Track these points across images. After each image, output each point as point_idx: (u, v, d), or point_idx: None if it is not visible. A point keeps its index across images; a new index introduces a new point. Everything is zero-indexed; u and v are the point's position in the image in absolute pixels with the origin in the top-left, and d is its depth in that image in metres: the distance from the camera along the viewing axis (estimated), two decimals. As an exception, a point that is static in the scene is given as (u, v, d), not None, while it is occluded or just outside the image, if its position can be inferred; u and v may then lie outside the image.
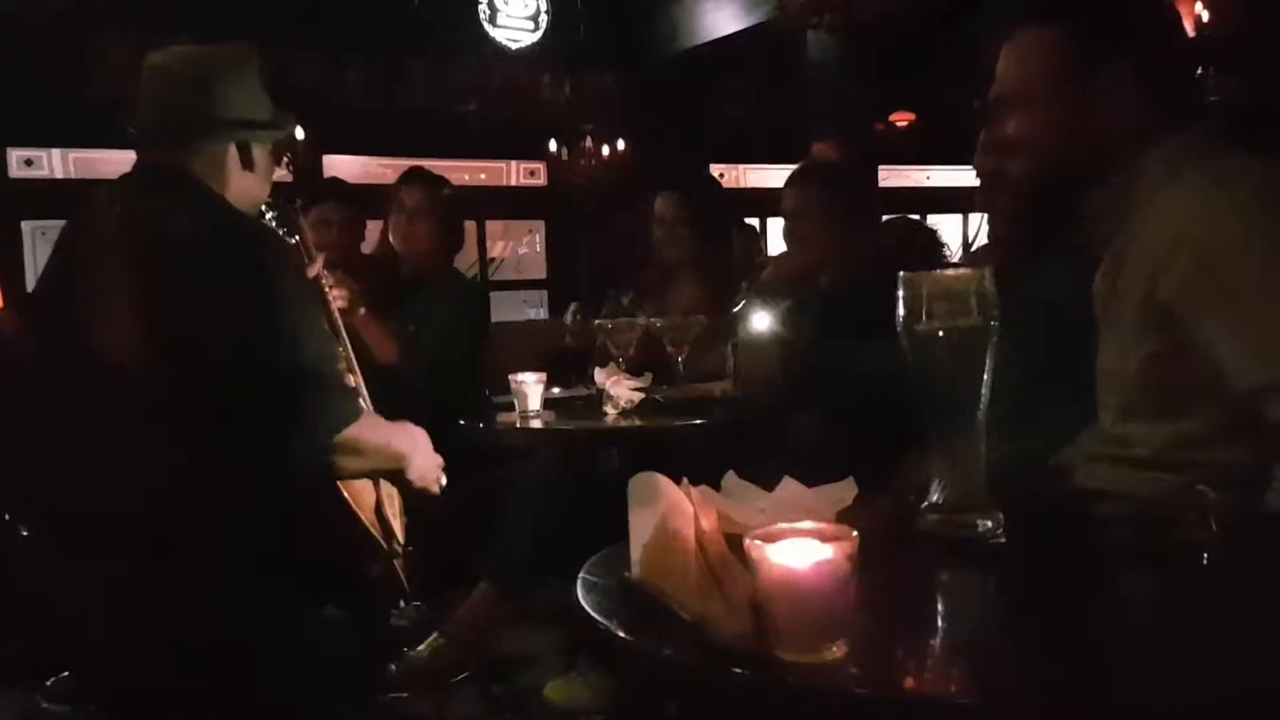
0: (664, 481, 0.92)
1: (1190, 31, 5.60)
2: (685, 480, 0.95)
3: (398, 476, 1.84)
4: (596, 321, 2.73)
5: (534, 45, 7.92)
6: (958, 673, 0.86)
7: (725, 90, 7.91)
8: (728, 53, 7.49)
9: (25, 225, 6.24)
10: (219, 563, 1.58)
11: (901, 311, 1.17)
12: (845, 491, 1.10)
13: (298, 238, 2.31)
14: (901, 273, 1.17)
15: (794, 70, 7.05)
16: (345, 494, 1.71)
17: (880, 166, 8.79)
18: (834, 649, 0.83)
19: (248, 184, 1.80)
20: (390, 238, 3.27)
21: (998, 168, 1.87)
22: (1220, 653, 0.86)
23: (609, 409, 2.45)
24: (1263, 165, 1.45)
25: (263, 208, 2.18)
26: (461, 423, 2.49)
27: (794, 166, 7.16)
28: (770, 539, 0.84)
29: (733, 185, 8.82)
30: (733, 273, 3.10)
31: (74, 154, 6.49)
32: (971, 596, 1.05)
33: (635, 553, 0.95)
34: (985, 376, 1.16)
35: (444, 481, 1.93)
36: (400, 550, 1.86)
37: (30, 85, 5.79)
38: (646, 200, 3.44)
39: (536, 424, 2.46)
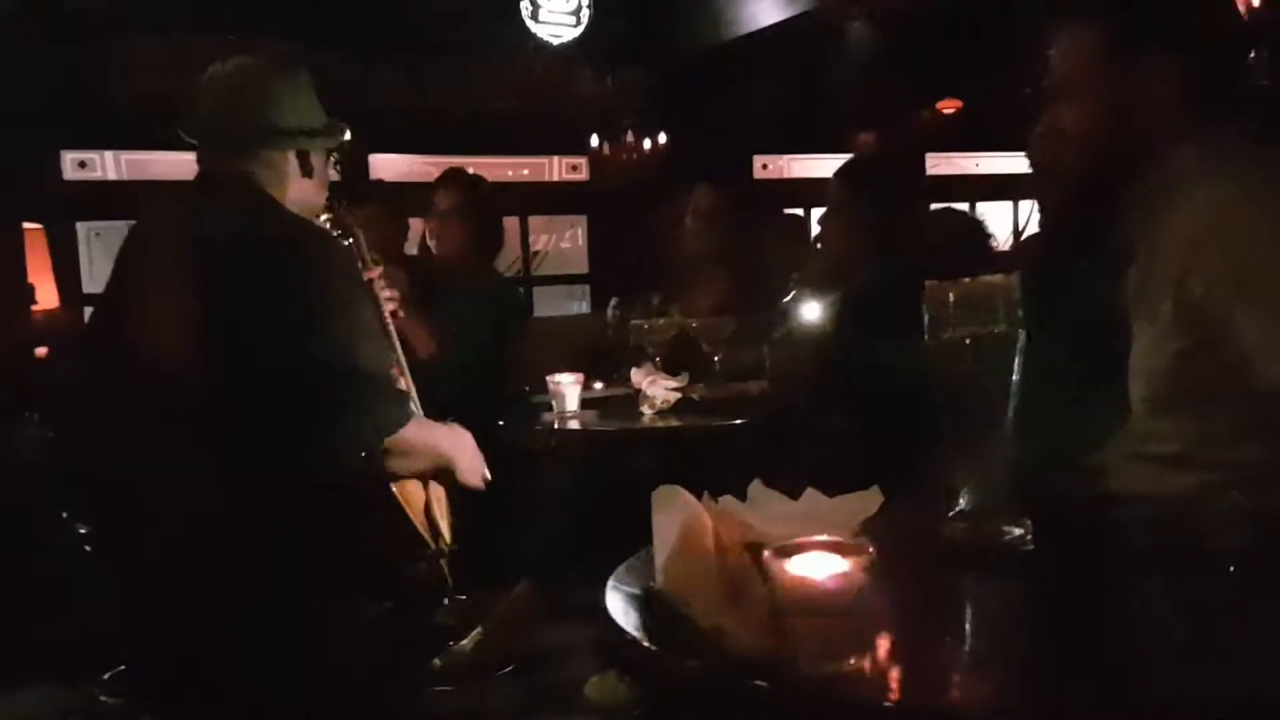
0: (685, 494, 0.94)
1: (1243, 15, 5.50)
2: (706, 493, 0.96)
3: (444, 475, 1.89)
4: (632, 322, 2.75)
5: (575, 40, 7.93)
6: (977, 685, 0.87)
7: (768, 80, 7.88)
8: (770, 43, 7.47)
9: (80, 226, 6.36)
10: (272, 558, 1.62)
11: (928, 319, 1.17)
12: (870, 501, 1.10)
13: (352, 240, 2.36)
14: (928, 281, 1.18)
15: (837, 59, 7.02)
16: (398, 495, 1.75)
17: (928, 154, 8.73)
18: (852, 661, 0.84)
19: (306, 190, 1.86)
20: (427, 239, 3.31)
21: (1050, 158, 1.87)
22: (1242, 661, 0.86)
23: (645, 409, 2.47)
24: None
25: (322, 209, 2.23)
26: (501, 423, 2.52)
27: (839, 156, 7.13)
28: (787, 552, 0.86)
29: (777, 176, 8.80)
30: (765, 268, 3.09)
31: (126, 155, 6.61)
32: (995, 606, 1.05)
33: (659, 562, 0.96)
34: (1013, 383, 1.16)
35: (488, 478, 1.98)
36: (446, 550, 1.90)
37: (81, 88, 5.90)
38: (688, 193, 3.46)
39: (574, 425, 2.49)
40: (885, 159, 2.93)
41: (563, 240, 8.50)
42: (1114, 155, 1.53)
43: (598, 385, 2.75)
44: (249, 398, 1.58)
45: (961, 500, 1.17)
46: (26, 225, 5.34)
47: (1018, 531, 1.15)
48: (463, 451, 1.88)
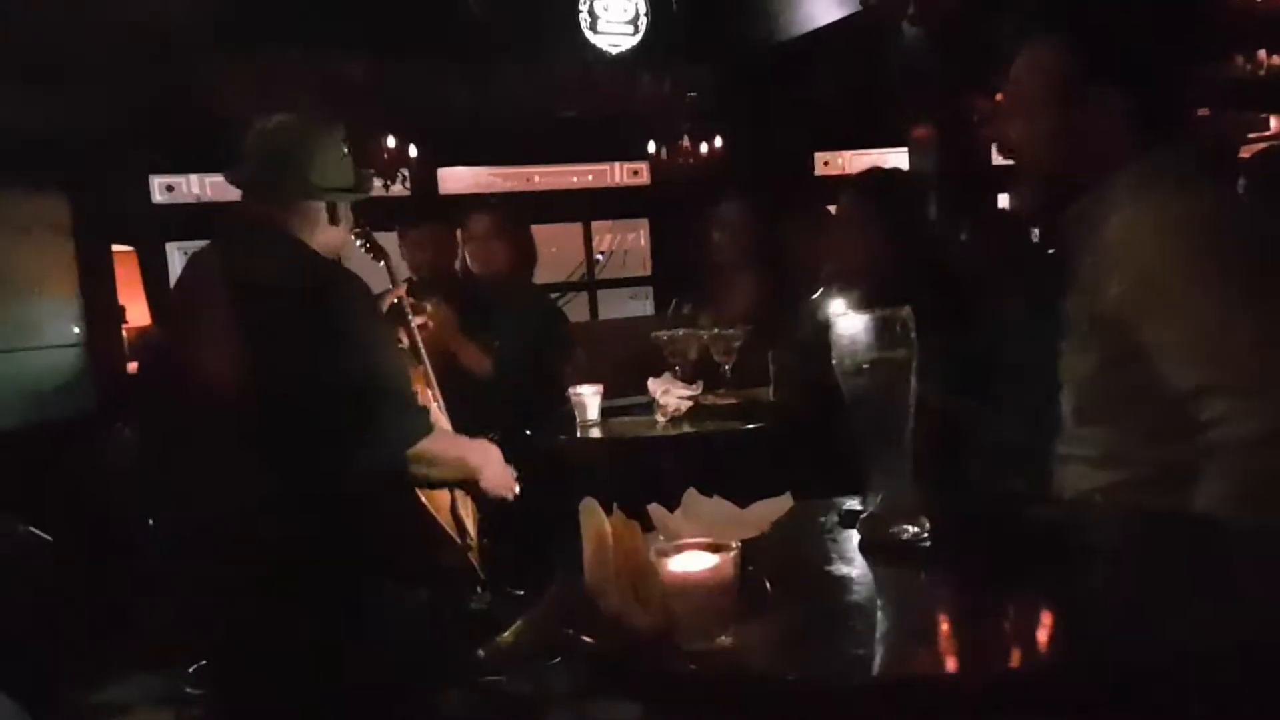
0: (597, 508, 1.14)
1: (1247, 11, 5.48)
2: (615, 505, 1.16)
3: (472, 486, 2.13)
4: (652, 334, 2.93)
5: (634, 48, 8.11)
6: (818, 654, 1.06)
7: (826, 77, 7.96)
8: (826, 42, 7.55)
9: (170, 247, 6.75)
10: (311, 558, 1.87)
11: (833, 347, 1.35)
12: (780, 505, 1.30)
13: (384, 262, 2.60)
14: (831, 312, 1.36)
15: (893, 55, 7.08)
16: (422, 497, 1.99)
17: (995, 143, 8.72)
18: (724, 638, 1.04)
19: (331, 235, 2.11)
20: (468, 260, 3.54)
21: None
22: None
23: (659, 417, 2.65)
24: (1212, 192, 1.58)
25: (353, 237, 2.48)
26: (529, 433, 2.73)
27: (898, 150, 7.13)
28: (669, 552, 1.05)
29: (838, 172, 8.88)
30: (788, 279, 3.23)
31: (210, 178, 6.99)
32: (865, 589, 1.23)
33: (585, 563, 1.17)
34: (910, 400, 1.33)
35: (517, 491, 2.21)
36: (472, 544, 2.13)
37: (167, 115, 6.26)
38: (747, 194, 3.59)
39: (595, 433, 2.68)
40: (896, 174, 3.02)
41: (625, 244, 8.70)
42: (1051, 173, 1.67)
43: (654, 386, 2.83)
44: (281, 418, 1.83)
45: (868, 503, 1.35)
46: (117, 248, 5.71)
47: (916, 529, 1.32)
48: (490, 465, 2.13)
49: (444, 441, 2.06)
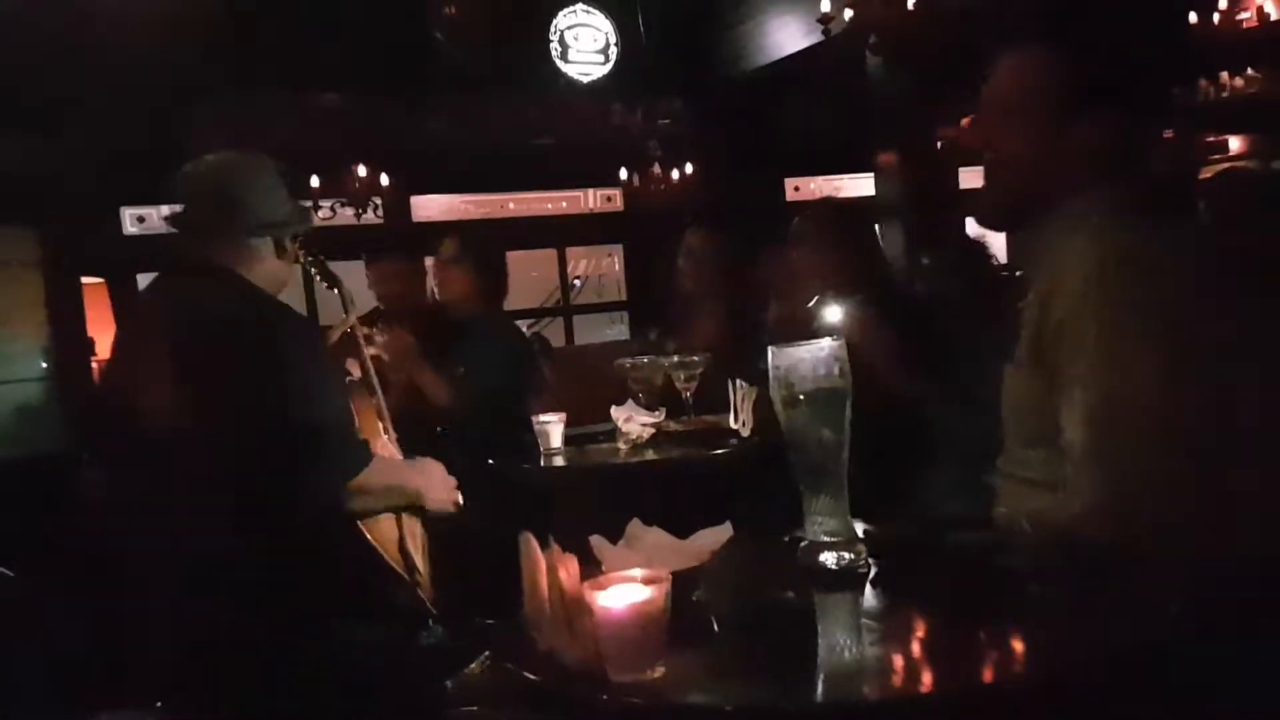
0: (533, 542, 1.16)
1: (1254, 21, 5.58)
2: (551, 539, 1.18)
3: (418, 509, 2.13)
4: (615, 362, 2.95)
5: (605, 76, 8.18)
6: (753, 683, 1.08)
7: (795, 105, 8.05)
8: (795, 69, 7.64)
9: (141, 279, 6.75)
10: (255, 592, 1.86)
11: (770, 377, 1.38)
12: (721, 534, 1.32)
13: (337, 290, 2.60)
14: (770, 347, 1.39)
15: (857, 82, 7.16)
16: (366, 532, 1.99)
17: (961, 168, 8.83)
18: (654, 670, 1.05)
19: (273, 268, 2.12)
20: (435, 290, 3.55)
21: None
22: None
23: (621, 444, 2.68)
24: (1151, 233, 1.55)
25: (307, 264, 2.48)
26: (490, 462, 2.74)
27: (867, 176, 7.15)
28: (599, 586, 1.07)
29: (809, 197, 8.96)
30: (752, 307, 3.26)
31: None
32: (804, 617, 1.25)
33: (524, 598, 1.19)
34: (846, 430, 1.36)
35: (460, 502, 2.21)
36: (421, 579, 2.13)
37: (139, 148, 6.27)
38: (715, 221, 3.61)
39: (559, 461, 2.70)
40: (842, 207, 3.06)
41: (600, 270, 8.74)
42: (1027, 187, 1.65)
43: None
44: (216, 454, 1.84)
45: (807, 530, 1.37)
46: (87, 280, 5.71)
47: (851, 556, 1.35)
48: (430, 482, 2.13)
49: (381, 471, 2.05)
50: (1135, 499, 1.36)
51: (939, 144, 7.39)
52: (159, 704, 3.44)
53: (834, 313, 2.60)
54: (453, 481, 2.21)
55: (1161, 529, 1.33)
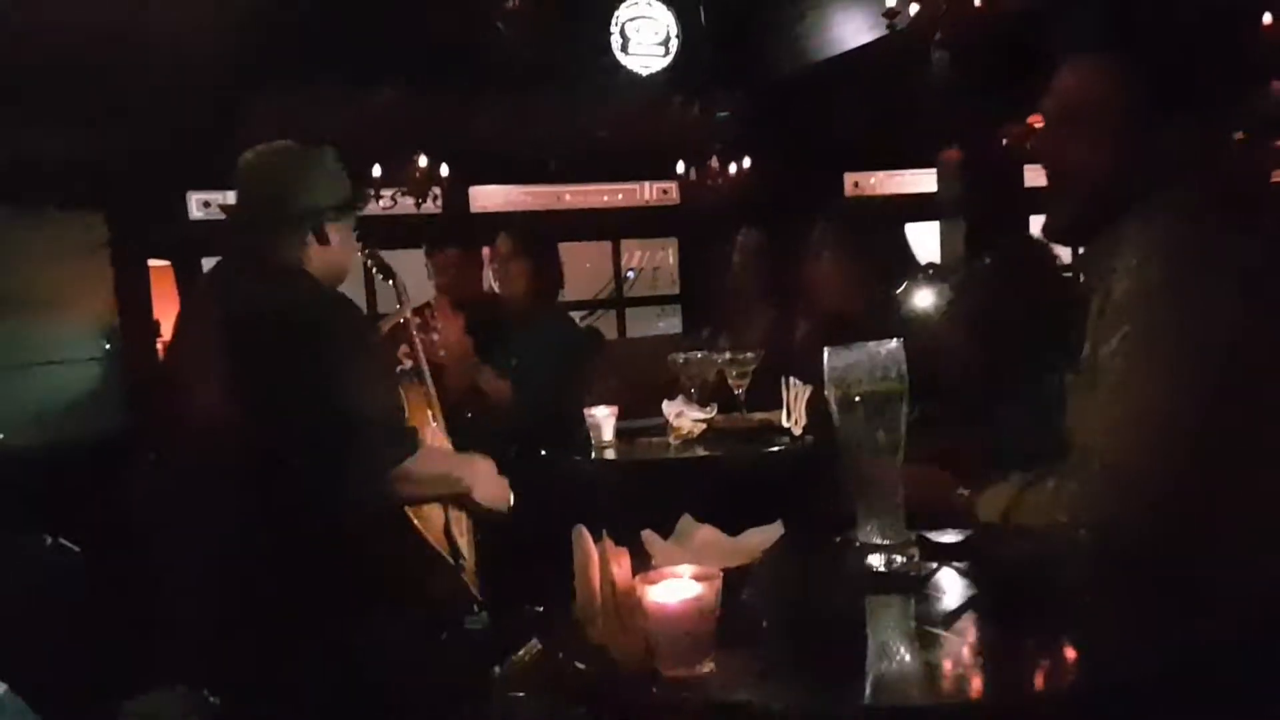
0: (586, 536, 1.17)
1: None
2: (604, 532, 1.19)
3: (466, 502, 2.14)
4: (669, 357, 2.95)
5: (665, 69, 8.17)
6: (802, 683, 1.08)
7: (857, 99, 7.99)
8: (856, 63, 7.58)
9: (206, 262, 6.87)
10: (303, 578, 1.90)
11: (827, 378, 1.38)
12: (771, 533, 1.32)
13: (391, 281, 2.64)
14: (826, 347, 1.38)
15: (921, 77, 7.09)
16: (413, 517, 2.01)
17: (1026, 166, 8.70)
18: (704, 666, 1.06)
19: (329, 257, 2.12)
20: (492, 282, 3.58)
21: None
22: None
23: (672, 439, 2.68)
24: (1220, 239, 1.52)
25: (363, 258, 2.51)
26: (542, 454, 2.76)
27: (929, 171, 7.04)
28: (652, 580, 1.08)
29: (869, 193, 8.89)
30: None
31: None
32: (854, 619, 1.25)
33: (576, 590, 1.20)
34: (901, 432, 1.36)
35: (511, 502, 2.22)
36: (465, 564, 2.15)
37: (205, 134, 6.38)
38: (775, 215, 3.58)
39: (610, 454, 2.71)
40: (861, 215, 2.98)
41: (654, 263, 8.75)
42: (1096, 195, 1.61)
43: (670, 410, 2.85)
44: (262, 440, 1.87)
45: (859, 532, 1.37)
46: (154, 263, 5.83)
47: (905, 559, 1.34)
48: (481, 480, 2.14)
49: (430, 460, 2.06)
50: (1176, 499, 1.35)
51: (1003, 141, 7.30)
52: (206, 688, 3.53)
53: (925, 296, 2.53)
54: (504, 481, 2.22)
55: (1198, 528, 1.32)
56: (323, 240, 2.09)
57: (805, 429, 2.64)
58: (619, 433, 2.83)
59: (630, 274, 8.93)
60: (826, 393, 1.38)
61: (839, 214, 2.69)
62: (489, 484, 2.16)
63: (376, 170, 6.36)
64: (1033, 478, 1.64)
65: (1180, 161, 1.57)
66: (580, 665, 1.12)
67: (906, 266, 2.73)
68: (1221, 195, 1.64)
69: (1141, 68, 1.59)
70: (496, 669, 3.11)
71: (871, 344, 1.36)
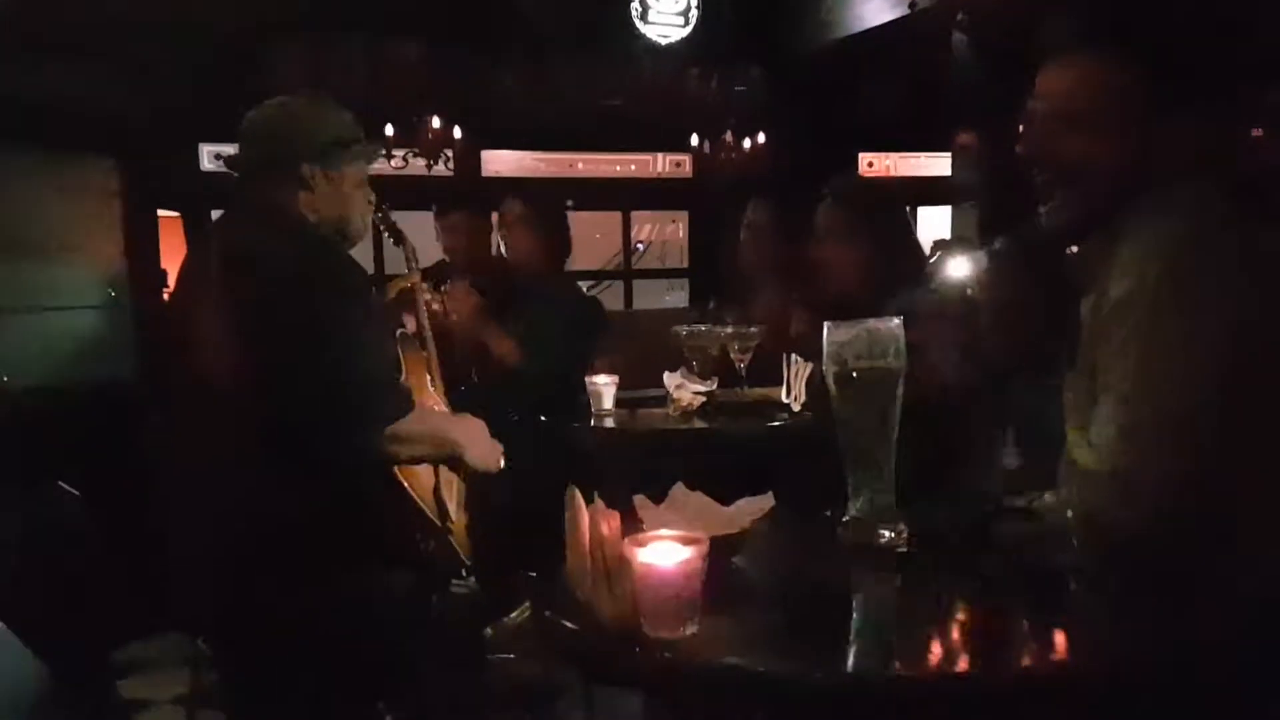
0: (578, 496, 1.18)
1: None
2: (596, 495, 1.20)
3: (457, 463, 2.14)
4: (672, 329, 2.96)
5: (684, 40, 8.13)
6: (786, 648, 1.10)
7: (875, 79, 7.95)
8: (876, 43, 7.53)
9: (215, 214, 6.86)
10: (298, 534, 1.90)
11: (825, 353, 1.39)
12: (762, 504, 1.34)
13: (402, 246, 2.64)
14: (826, 323, 1.39)
15: (941, 59, 7.04)
16: (401, 478, 2.02)
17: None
18: (687, 629, 1.08)
19: (330, 208, 2.06)
20: (501, 247, 3.58)
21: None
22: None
23: (672, 411, 2.69)
24: (1224, 235, 1.49)
25: (375, 218, 2.49)
26: (542, 419, 2.77)
27: (944, 155, 6.97)
28: (640, 543, 1.09)
29: (883, 174, 8.86)
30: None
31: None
32: (841, 589, 1.26)
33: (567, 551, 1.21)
34: (896, 410, 1.36)
35: (502, 464, 2.22)
36: (454, 527, 2.16)
37: (219, 87, 6.36)
38: (787, 192, 3.56)
39: (609, 423, 2.72)
40: (874, 186, 2.92)
41: (664, 235, 8.73)
42: (1097, 193, 1.56)
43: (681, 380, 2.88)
44: (255, 393, 1.86)
45: (850, 507, 1.38)
46: (163, 213, 5.82)
47: (892, 534, 1.36)
48: (473, 440, 2.12)
49: (421, 419, 2.05)
50: (1175, 493, 1.34)
51: (1020, 128, 7.26)
52: (199, 639, 3.55)
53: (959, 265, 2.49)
54: (495, 443, 2.21)
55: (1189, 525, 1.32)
56: (314, 187, 2.03)
57: (805, 406, 2.65)
58: (621, 402, 2.84)
59: (640, 246, 8.92)
60: (824, 367, 1.39)
61: (843, 193, 2.65)
62: (479, 445, 2.14)
63: (389, 129, 6.34)
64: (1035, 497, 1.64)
65: (1183, 157, 1.54)
66: (567, 624, 1.13)
67: (911, 249, 2.70)
68: (1229, 191, 1.62)
69: (1142, 61, 1.54)
70: (487, 631, 3.15)
71: (871, 321, 1.37)
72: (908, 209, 3.00)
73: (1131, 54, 1.55)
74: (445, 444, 2.06)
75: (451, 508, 2.15)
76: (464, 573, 2.26)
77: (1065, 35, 1.64)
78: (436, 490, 2.11)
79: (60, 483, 3.31)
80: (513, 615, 3.06)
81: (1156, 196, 1.52)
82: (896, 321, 1.37)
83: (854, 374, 1.36)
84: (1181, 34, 1.62)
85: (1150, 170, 1.54)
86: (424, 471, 2.09)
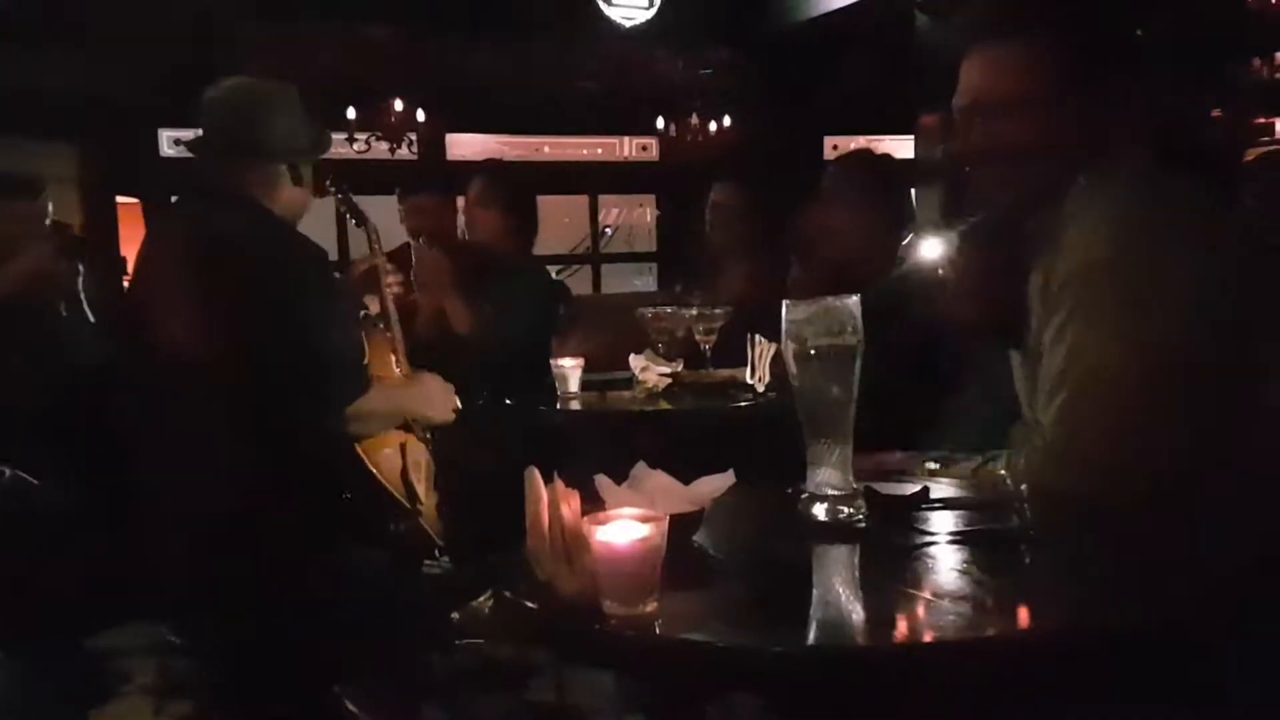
0: (537, 476, 1.19)
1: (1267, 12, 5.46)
2: (556, 475, 1.21)
3: (419, 426, 2.16)
4: (637, 311, 2.96)
5: (648, 22, 8.11)
6: (746, 622, 1.11)
7: (841, 62, 7.96)
8: (841, 24, 7.55)
9: (175, 200, 6.79)
10: (267, 517, 1.91)
11: (784, 331, 1.39)
12: (722, 481, 1.35)
13: (364, 227, 2.63)
14: (785, 301, 1.40)
15: (906, 41, 7.07)
16: (367, 461, 2.03)
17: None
18: (647, 606, 1.08)
19: (294, 196, 2.14)
20: (466, 228, 3.57)
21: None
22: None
23: (637, 392, 2.70)
24: (1161, 210, 1.51)
25: (336, 200, 2.50)
26: (509, 402, 2.77)
27: (908, 138, 7.03)
28: (599, 521, 1.10)
29: (849, 158, 8.85)
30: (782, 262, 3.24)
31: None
32: (800, 566, 1.27)
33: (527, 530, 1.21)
34: (854, 387, 1.37)
35: (459, 407, 2.25)
36: (424, 509, 2.17)
37: (178, 70, 6.29)
38: (745, 176, 3.58)
39: (575, 405, 2.73)
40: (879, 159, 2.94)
41: (631, 219, 8.73)
42: (1028, 178, 1.59)
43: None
44: (219, 376, 1.87)
45: (808, 482, 1.39)
46: (122, 199, 5.76)
47: (850, 510, 1.37)
48: (428, 399, 2.17)
49: (381, 396, 2.09)
50: (1117, 457, 1.39)
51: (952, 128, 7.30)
52: (165, 624, 3.52)
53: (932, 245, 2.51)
54: (449, 389, 2.23)
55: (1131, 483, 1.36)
56: (296, 179, 2.10)
57: (769, 386, 2.66)
58: (588, 385, 2.84)
59: (608, 230, 8.90)
60: (783, 345, 1.39)
61: (856, 162, 2.67)
62: (437, 402, 2.19)
63: (351, 113, 6.29)
64: (986, 457, 1.67)
65: (1120, 136, 1.55)
66: (529, 604, 1.13)
67: (909, 222, 2.73)
68: (1176, 169, 1.64)
69: (1056, 41, 1.55)
70: (455, 615, 3.14)
71: (829, 299, 1.38)
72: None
73: (1045, 35, 1.55)
74: (404, 411, 2.10)
75: (420, 490, 2.17)
76: (437, 553, 2.27)
77: (984, 22, 1.66)
78: (404, 473, 2.12)
79: (14, 469, 3.28)
80: (481, 599, 3.06)
81: (1095, 178, 1.53)
82: (854, 299, 1.37)
83: (812, 351, 1.36)
84: (1090, 11, 1.63)
85: (1084, 151, 1.54)
86: (391, 454, 2.11)
